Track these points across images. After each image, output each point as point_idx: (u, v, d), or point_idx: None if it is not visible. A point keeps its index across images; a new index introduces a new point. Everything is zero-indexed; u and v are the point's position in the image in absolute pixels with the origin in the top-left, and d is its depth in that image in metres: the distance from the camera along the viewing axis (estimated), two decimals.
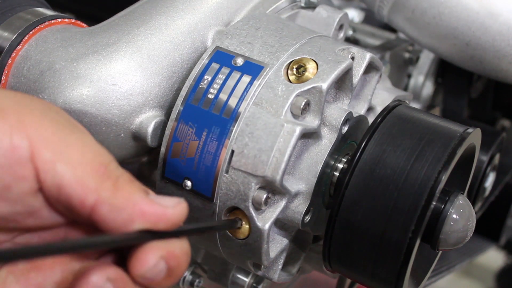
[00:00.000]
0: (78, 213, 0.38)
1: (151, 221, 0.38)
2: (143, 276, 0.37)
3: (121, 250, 0.40)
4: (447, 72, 0.85)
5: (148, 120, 0.52)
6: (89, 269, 0.37)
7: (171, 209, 0.38)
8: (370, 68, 0.56)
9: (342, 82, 0.53)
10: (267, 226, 0.49)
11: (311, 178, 0.51)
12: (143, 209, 0.38)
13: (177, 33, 0.53)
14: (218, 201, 0.49)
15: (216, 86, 0.50)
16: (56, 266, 0.40)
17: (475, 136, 0.52)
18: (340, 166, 0.53)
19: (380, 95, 0.60)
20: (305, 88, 0.49)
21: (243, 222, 0.49)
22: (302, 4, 0.61)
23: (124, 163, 0.55)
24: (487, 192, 0.81)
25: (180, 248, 0.39)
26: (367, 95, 0.57)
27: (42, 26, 0.54)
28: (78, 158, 0.38)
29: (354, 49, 0.53)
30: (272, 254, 0.51)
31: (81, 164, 0.38)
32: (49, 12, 0.56)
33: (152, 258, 0.37)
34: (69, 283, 0.39)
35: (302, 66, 0.50)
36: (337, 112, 0.52)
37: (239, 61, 0.51)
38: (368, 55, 0.54)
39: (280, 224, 0.53)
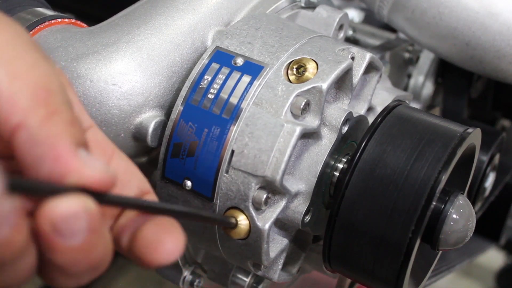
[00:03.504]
0: (1, 134, 0.33)
1: (60, 171, 0.32)
2: (52, 224, 0.31)
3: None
4: (447, 72, 0.85)
5: (148, 120, 0.52)
6: None
7: (88, 170, 0.32)
8: (370, 68, 0.56)
9: (342, 82, 0.53)
10: (267, 226, 0.49)
11: (311, 178, 0.51)
12: (59, 155, 0.32)
13: (177, 33, 0.53)
14: (218, 201, 0.49)
15: (216, 86, 0.50)
16: None
17: (475, 136, 0.52)
18: (340, 166, 0.53)
19: (380, 95, 0.60)
20: (305, 88, 0.49)
21: (243, 222, 0.49)
22: (302, 4, 0.61)
23: None
24: (487, 192, 0.81)
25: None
26: (367, 95, 0.57)
27: (42, 26, 0.54)
28: (22, 72, 0.33)
29: (354, 49, 0.53)
30: (272, 254, 0.51)
31: (22, 79, 0.33)
32: (49, 12, 0.55)
33: (72, 205, 0.31)
34: None
35: (302, 66, 0.50)
36: (337, 112, 0.52)
37: (239, 61, 0.51)
38: (368, 55, 0.54)
39: (280, 224, 0.53)
